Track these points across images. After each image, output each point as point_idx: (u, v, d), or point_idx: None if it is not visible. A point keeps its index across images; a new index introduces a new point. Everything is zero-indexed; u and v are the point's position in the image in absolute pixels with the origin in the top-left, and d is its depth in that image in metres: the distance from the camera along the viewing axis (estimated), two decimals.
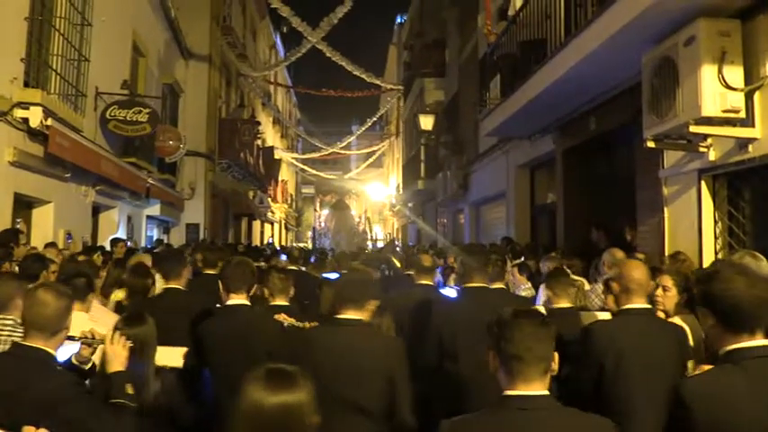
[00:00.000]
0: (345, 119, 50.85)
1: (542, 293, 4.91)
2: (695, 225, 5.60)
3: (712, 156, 5.32)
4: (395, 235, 34.82)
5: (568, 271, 5.84)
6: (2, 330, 2.99)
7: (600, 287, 4.75)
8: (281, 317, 3.80)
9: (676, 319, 3.45)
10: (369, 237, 38.39)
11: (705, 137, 5.20)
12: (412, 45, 23.71)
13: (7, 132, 7.46)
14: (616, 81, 6.83)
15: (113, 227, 11.86)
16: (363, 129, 30.20)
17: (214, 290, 3.84)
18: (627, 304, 3.08)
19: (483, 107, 11.00)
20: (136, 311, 3.31)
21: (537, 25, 8.16)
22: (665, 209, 6.23)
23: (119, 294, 4.90)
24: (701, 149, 5.34)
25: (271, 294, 4.32)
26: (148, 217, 14.84)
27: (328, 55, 15.52)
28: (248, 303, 3.64)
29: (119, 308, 4.68)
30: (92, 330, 2.87)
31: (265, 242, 27.59)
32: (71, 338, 2.75)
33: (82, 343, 2.84)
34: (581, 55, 6.30)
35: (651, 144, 5.42)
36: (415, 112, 20.82)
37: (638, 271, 3.12)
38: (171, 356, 3.39)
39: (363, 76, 17.82)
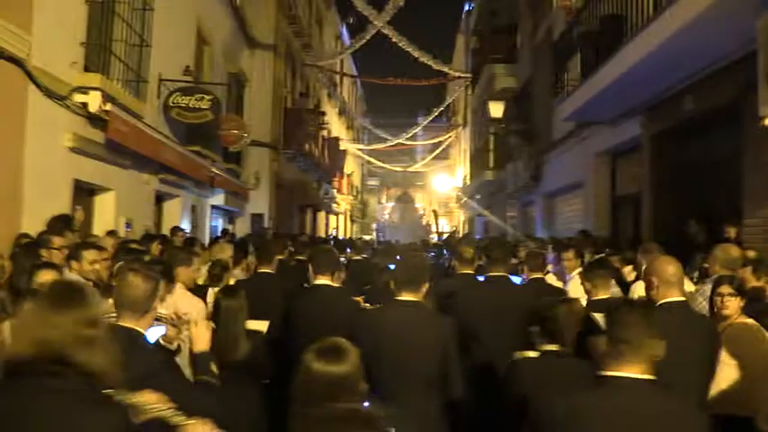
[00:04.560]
0: (411, 110, 49.87)
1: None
2: None
3: None
4: (461, 228, 34.11)
5: None
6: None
7: (708, 288, 4.06)
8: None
9: None
10: (433, 230, 37.82)
11: None
12: (481, 30, 22.89)
13: (66, 117, 7.30)
14: (720, 53, 6.03)
15: (177, 216, 11.76)
16: (429, 119, 29.59)
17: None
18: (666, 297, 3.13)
19: (560, 91, 10.26)
20: (232, 286, 4.14)
21: None
22: None
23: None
24: None
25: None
26: (213, 207, 14.78)
27: (395, 40, 14.98)
28: (332, 284, 4.24)
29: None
30: (176, 312, 3.18)
31: (329, 233, 27.46)
32: (158, 320, 3.00)
33: (168, 324, 3.10)
34: (679, 23, 5.56)
35: None
36: (484, 99, 20.08)
37: (672, 266, 3.20)
38: (256, 326, 3.89)
39: (430, 62, 17.19)
